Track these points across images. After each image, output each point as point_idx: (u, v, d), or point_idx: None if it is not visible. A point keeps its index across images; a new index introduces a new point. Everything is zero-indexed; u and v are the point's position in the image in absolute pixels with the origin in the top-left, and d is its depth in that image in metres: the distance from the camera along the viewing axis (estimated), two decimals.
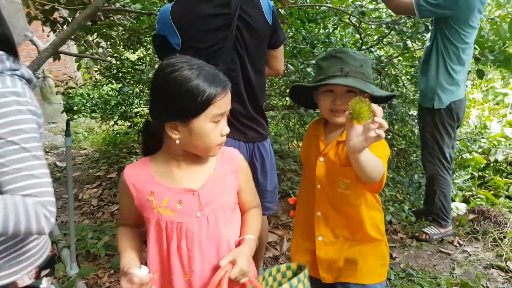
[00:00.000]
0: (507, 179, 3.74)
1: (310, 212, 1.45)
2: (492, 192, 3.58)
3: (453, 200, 3.45)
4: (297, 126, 3.97)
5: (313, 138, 1.47)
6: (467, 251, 2.74)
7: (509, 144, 4.11)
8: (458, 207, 3.24)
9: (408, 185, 3.32)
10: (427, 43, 2.80)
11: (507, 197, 3.49)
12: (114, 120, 3.81)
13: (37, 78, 5.55)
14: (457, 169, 3.91)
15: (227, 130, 1.10)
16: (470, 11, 2.51)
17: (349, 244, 1.41)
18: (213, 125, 1.05)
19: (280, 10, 2.96)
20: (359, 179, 1.24)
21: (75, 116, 5.75)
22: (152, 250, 1.13)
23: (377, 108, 1.02)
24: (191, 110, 1.02)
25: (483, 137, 4.19)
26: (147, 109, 3.87)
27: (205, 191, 1.11)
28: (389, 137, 3.80)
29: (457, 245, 2.81)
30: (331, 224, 1.41)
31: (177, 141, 1.06)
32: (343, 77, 1.29)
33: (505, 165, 4.00)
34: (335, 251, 1.43)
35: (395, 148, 3.77)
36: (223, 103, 1.05)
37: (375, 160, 1.16)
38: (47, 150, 5.62)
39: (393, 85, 3.90)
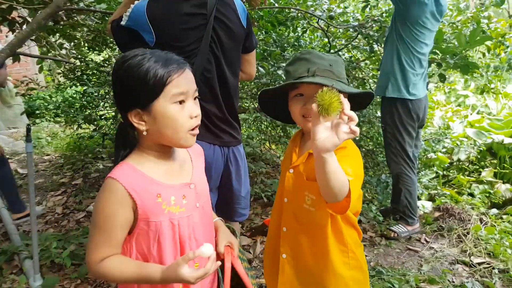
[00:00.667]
0: (469, 177, 3.89)
1: (277, 227, 1.39)
2: (455, 190, 3.72)
3: (419, 199, 3.55)
4: (269, 128, 3.98)
5: (290, 149, 1.41)
6: (433, 247, 2.82)
7: (471, 144, 4.27)
8: (425, 205, 3.34)
9: (376, 184, 3.39)
10: (386, 33, 2.94)
11: (470, 194, 3.63)
12: (78, 123, 3.68)
13: None
14: (423, 169, 4.03)
15: (197, 111, 1.05)
16: (420, 11, 2.61)
17: (312, 272, 1.31)
18: (177, 106, 1.02)
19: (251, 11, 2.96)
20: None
21: (38, 121, 5.52)
22: (168, 253, 1.07)
23: (345, 101, 0.96)
24: (148, 94, 1.00)
25: (446, 138, 4.35)
26: (113, 112, 3.77)
27: (197, 183, 1.14)
28: (357, 138, 3.88)
29: (424, 242, 2.89)
30: (295, 243, 1.33)
31: (145, 133, 1.03)
32: (310, 77, 1.23)
33: (467, 164, 4.16)
34: (297, 274, 1.33)
35: (363, 149, 3.84)
36: (182, 82, 1.02)
37: (341, 174, 1.04)
38: (8, 156, 5.36)
39: (360, 88, 3.98)
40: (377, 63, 3.82)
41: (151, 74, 0.98)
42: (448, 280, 2.41)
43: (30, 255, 2.62)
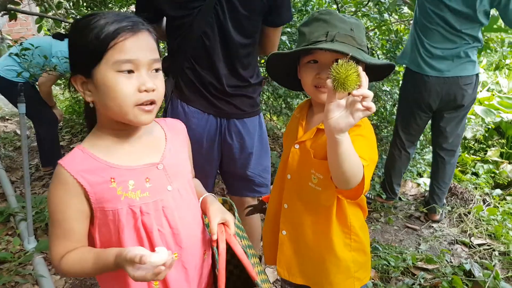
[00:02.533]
0: (474, 156, 3.80)
1: (278, 203, 1.31)
2: (459, 168, 3.63)
3: (421, 176, 3.48)
4: (271, 99, 3.86)
5: (295, 122, 1.30)
6: (433, 226, 2.77)
7: (479, 122, 4.16)
8: (426, 183, 3.26)
9: (379, 160, 3.31)
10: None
11: (474, 173, 3.55)
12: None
13: None
14: (427, 145, 3.93)
15: (149, 85, 0.89)
16: None
17: (313, 250, 1.25)
18: (119, 75, 0.87)
19: None
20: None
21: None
22: (129, 244, 0.94)
23: (363, 74, 0.86)
24: (88, 57, 0.86)
25: None
26: None
27: (168, 163, 1.01)
28: None
29: (424, 220, 2.84)
30: (297, 220, 1.25)
31: (91, 104, 0.92)
32: (328, 42, 1.07)
33: (473, 142, 4.06)
34: (296, 251, 1.29)
35: None
36: (130, 47, 0.87)
37: (355, 158, 0.95)
38: (7, 117, 5.32)
39: None
40: (386, 33, 3.66)
41: (93, 35, 0.85)
42: (446, 260, 2.37)
43: (25, 217, 2.61)
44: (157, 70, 0.93)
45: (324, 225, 1.21)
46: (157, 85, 0.91)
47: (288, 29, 2.92)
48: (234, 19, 1.58)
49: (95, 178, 0.91)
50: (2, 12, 2.78)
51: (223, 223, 1.04)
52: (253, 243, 1.29)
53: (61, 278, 2.29)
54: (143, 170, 0.96)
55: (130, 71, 0.88)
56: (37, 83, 3.17)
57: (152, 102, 0.91)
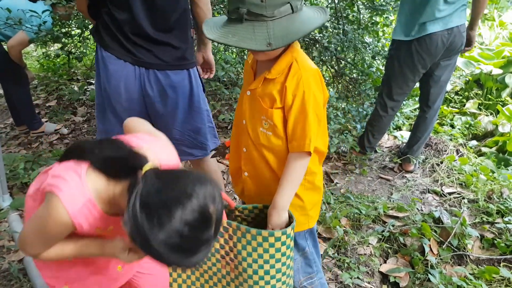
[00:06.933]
0: (452, 109, 3.81)
1: (239, 147, 1.39)
2: (438, 121, 3.65)
3: (400, 129, 3.50)
4: (245, 51, 3.76)
5: (248, 67, 1.36)
6: (406, 176, 2.82)
7: (457, 75, 4.14)
8: (403, 135, 3.29)
9: (356, 114, 3.30)
10: None
11: (451, 125, 3.58)
12: (46, 41, 3.46)
13: None
14: (406, 99, 3.92)
15: None
16: None
17: (270, 187, 1.31)
18: None
19: None
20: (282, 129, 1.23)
21: None
22: None
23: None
24: None
25: None
26: (77, 29, 3.54)
27: None
28: (341, 65, 3.71)
29: (397, 171, 2.88)
30: (255, 162, 1.34)
31: None
32: (237, 22, 1.09)
33: (453, 95, 4.07)
34: (258, 188, 1.38)
35: (347, 78, 3.70)
36: None
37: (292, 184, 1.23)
38: None
39: (348, 10, 3.73)
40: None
41: None
42: (417, 209, 2.43)
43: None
44: None
45: (277, 166, 1.29)
46: None
47: None
48: None
49: (89, 228, 0.95)
50: None
51: None
52: None
53: None
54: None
55: None
56: (6, 44, 3.03)
57: None
